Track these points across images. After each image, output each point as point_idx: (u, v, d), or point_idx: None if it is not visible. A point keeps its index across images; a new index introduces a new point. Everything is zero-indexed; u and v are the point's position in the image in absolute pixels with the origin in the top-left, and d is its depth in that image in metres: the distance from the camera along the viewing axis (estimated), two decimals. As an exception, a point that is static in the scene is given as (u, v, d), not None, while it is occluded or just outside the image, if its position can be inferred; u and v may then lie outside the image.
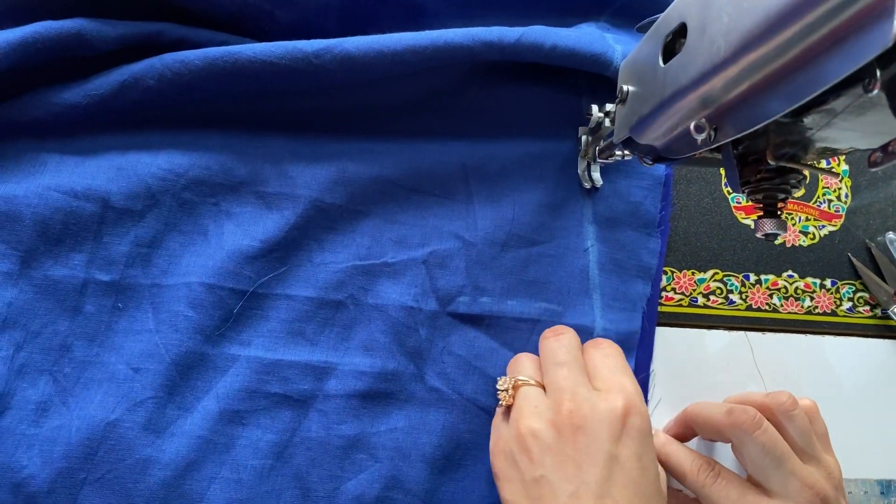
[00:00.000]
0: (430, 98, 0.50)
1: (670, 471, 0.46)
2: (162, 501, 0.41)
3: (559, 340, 0.43)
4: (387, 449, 0.45)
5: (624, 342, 0.49)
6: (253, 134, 0.47)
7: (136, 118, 0.45)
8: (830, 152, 0.31)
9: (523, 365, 0.44)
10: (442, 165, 0.49)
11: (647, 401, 0.49)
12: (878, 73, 0.22)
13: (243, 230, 0.46)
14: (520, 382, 0.42)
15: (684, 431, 0.49)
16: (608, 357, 0.43)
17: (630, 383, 0.41)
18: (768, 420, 0.44)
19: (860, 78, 0.23)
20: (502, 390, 0.43)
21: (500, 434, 0.42)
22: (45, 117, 0.43)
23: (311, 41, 0.43)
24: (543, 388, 0.42)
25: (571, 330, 0.45)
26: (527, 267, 0.49)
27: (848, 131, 0.28)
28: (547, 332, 0.45)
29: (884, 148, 0.25)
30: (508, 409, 0.43)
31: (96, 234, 0.43)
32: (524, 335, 0.48)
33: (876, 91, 0.23)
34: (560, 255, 0.49)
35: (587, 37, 0.48)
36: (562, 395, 0.40)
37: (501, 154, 0.50)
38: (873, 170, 0.26)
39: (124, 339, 0.43)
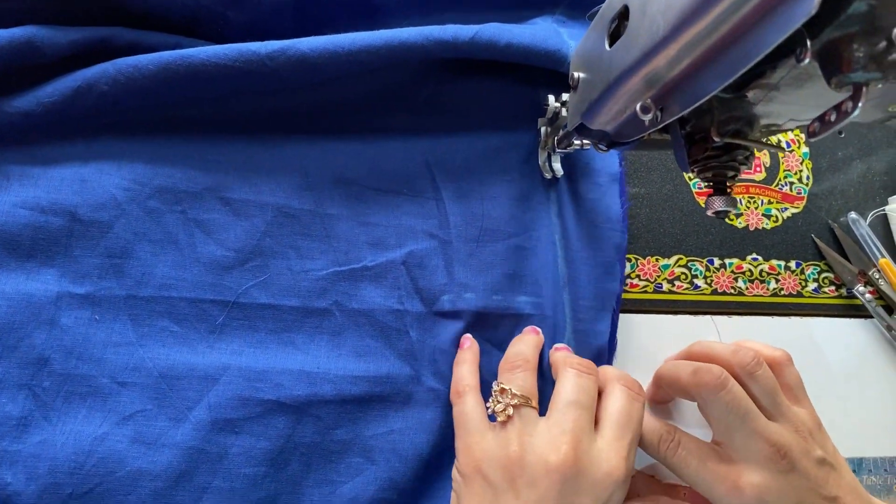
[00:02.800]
0: (388, 94, 0.49)
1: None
2: None
3: (584, 380, 0.41)
4: (383, 451, 0.44)
5: (594, 343, 0.49)
6: (213, 139, 0.47)
7: (94, 125, 0.44)
8: (775, 128, 0.32)
9: (522, 376, 0.42)
10: (405, 163, 0.49)
11: None
12: (808, 42, 0.23)
13: (214, 239, 0.45)
14: (520, 402, 0.41)
15: (661, 392, 0.49)
16: (633, 407, 0.42)
17: (628, 457, 0.40)
18: (735, 377, 0.42)
19: (793, 49, 0.23)
20: (500, 403, 0.41)
21: (487, 448, 0.40)
22: (1, 127, 0.43)
23: (265, 43, 0.43)
24: (537, 405, 0.42)
25: (596, 370, 0.43)
26: (505, 260, 0.48)
27: (789, 105, 0.29)
28: (573, 362, 0.43)
29: (821, 118, 0.25)
30: (495, 415, 0.41)
31: (66, 247, 0.43)
32: (508, 329, 0.48)
33: (807, 60, 0.23)
34: (533, 247, 0.50)
35: (542, 33, 0.48)
36: (564, 437, 0.39)
37: (463, 148, 0.50)
38: (812, 140, 0.26)
39: (104, 352, 0.43)
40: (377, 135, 0.49)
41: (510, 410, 0.40)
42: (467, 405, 0.42)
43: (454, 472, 0.42)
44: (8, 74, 0.42)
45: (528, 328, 0.47)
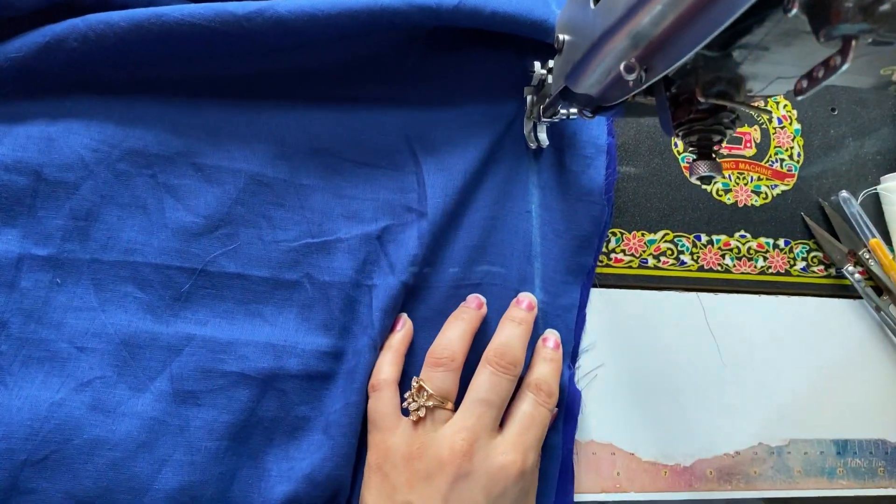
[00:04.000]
0: (369, 64, 0.48)
1: None
2: (111, 482, 0.40)
3: (498, 377, 0.42)
4: (340, 426, 0.43)
5: (562, 315, 0.48)
6: (188, 102, 0.45)
7: (63, 83, 0.43)
8: (762, 91, 0.31)
9: (443, 376, 0.42)
10: (385, 136, 0.48)
11: (574, 372, 0.49)
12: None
13: (184, 205, 0.44)
14: (435, 404, 0.41)
15: None
16: (537, 412, 0.43)
17: (534, 454, 0.41)
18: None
19: (780, 2, 0.22)
20: (415, 402, 0.42)
21: (392, 445, 0.41)
22: None
23: (243, 2, 0.42)
24: (453, 406, 0.42)
25: (519, 365, 0.43)
26: (474, 232, 0.47)
27: (776, 65, 0.28)
28: (493, 357, 0.43)
29: (808, 74, 0.24)
30: (407, 410, 0.42)
31: (30, 207, 0.42)
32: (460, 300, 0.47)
33: (795, 10, 0.22)
34: (505, 217, 0.49)
35: (528, 2, 0.46)
36: (462, 433, 0.40)
37: (446, 121, 0.49)
38: (799, 98, 0.25)
39: (64, 316, 0.42)
40: (357, 105, 0.48)
41: (422, 412, 0.41)
42: (380, 401, 0.43)
43: (365, 464, 0.43)
44: None
45: (472, 297, 0.46)
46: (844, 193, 0.57)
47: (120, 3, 0.42)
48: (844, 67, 0.22)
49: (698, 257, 0.53)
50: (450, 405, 0.42)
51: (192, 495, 0.41)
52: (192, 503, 0.41)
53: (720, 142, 0.31)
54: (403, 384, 0.44)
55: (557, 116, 0.45)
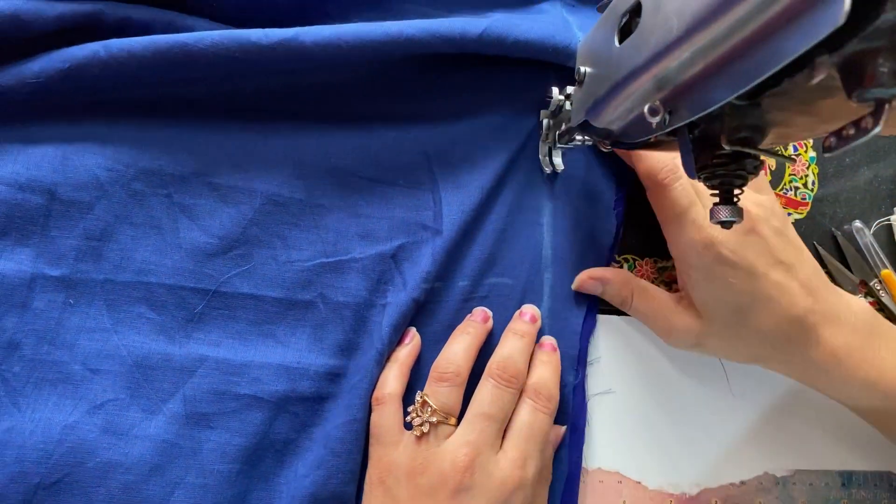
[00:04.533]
0: (386, 80, 0.48)
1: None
2: None
3: (500, 391, 0.42)
4: (345, 442, 0.43)
5: (569, 320, 0.49)
6: (203, 121, 0.45)
7: (79, 105, 0.43)
8: (787, 137, 0.30)
9: (447, 392, 0.43)
10: (402, 154, 0.47)
11: (582, 380, 0.49)
12: (826, 57, 0.21)
13: (199, 225, 0.44)
14: (439, 419, 0.41)
15: None
16: (536, 419, 0.43)
17: (535, 464, 0.42)
18: None
19: (812, 59, 0.22)
20: (419, 417, 0.42)
21: (395, 460, 0.41)
22: None
23: (267, 31, 0.41)
24: (456, 420, 0.42)
25: (521, 378, 0.44)
26: (484, 245, 0.48)
27: (803, 115, 0.27)
28: (496, 371, 0.43)
29: (837, 133, 0.24)
30: (410, 425, 0.42)
31: (43, 227, 0.41)
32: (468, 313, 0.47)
33: (817, 79, 0.22)
34: (516, 228, 0.49)
35: (550, 27, 0.46)
36: (464, 448, 0.40)
37: (464, 138, 0.48)
38: (827, 156, 0.25)
39: (77, 337, 0.41)
40: (374, 123, 0.47)
41: (426, 427, 0.41)
42: (384, 416, 0.43)
43: (365, 478, 0.43)
44: None
45: (478, 310, 0.47)
46: (857, 223, 0.57)
47: (142, 23, 0.42)
48: (876, 130, 0.22)
49: (710, 285, 0.53)
50: (453, 420, 0.42)
51: None
52: None
53: (742, 185, 0.31)
54: (407, 398, 0.44)
55: (573, 143, 0.45)
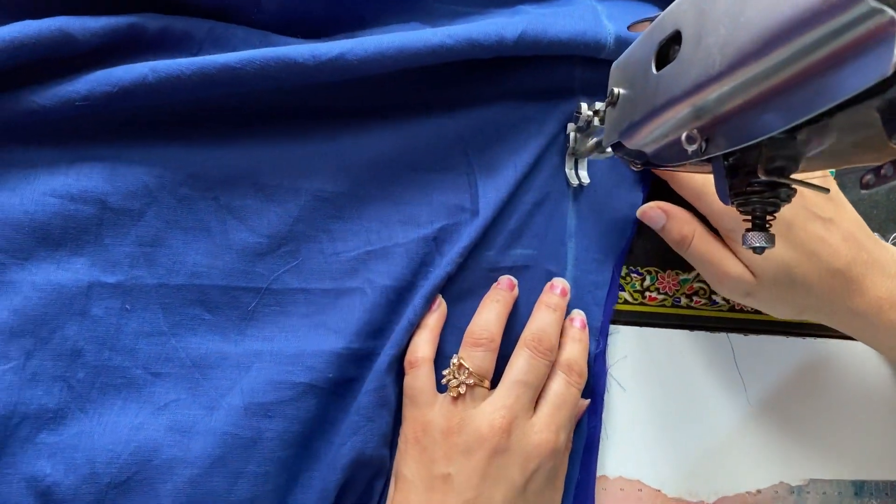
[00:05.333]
0: (422, 74, 0.48)
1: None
2: (189, 498, 0.40)
3: (536, 361, 0.44)
4: (378, 407, 0.44)
5: (592, 292, 0.50)
6: (244, 124, 0.46)
7: (124, 120, 0.43)
8: (821, 166, 0.31)
9: (482, 355, 0.44)
10: (438, 140, 0.48)
11: (603, 349, 0.51)
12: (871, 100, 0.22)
13: (247, 226, 0.45)
14: (475, 381, 0.43)
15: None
16: (568, 392, 0.45)
17: (565, 433, 0.44)
18: None
19: (856, 100, 0.23)
20: (455, 379, 0.43)
21: (432, 420, 0.43)
22: (30, 122, 0.41)
23: (313, 53, 0.42)
24: (490, 383, 0.44)
25: (554, 351, 0.45)
26: (513, 217, 0.49)
27: (841, 149, 0.28)
28: (531, 342, 0.45)
29: (876, 170, 0.24)
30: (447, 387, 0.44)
31: (96, 235, 0.42)
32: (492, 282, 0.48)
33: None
34: (543, 201, 0.50)
35: (582, 22, 0.47)
36: (502, 411, 0.42)
37: (497, 119, 0.49)
38: (864, 192, 0.25)
39: (136, 342, 0.42)
40: (410, 114, 0.48)
41: (462, 388, 0.43)
42: (418, 378, 0.44)
43: (399, 439, 0.45)
44: (39, 66, 0.40)
45: (504, 278, 0.48)
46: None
47: (181, 33, 0.43)
48: (915, 172, 0.23)
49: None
50: (487, 384, 0.44)
51: (264, 503, 0.42)
52: None
53: (774, 212, 0.32)
54: (436, 362, 0.46)
55: (603, 155, 0.46)
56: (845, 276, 0.45)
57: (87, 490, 0.39)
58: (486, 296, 0.47)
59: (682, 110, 0.30)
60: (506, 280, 0.47)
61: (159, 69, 0.40)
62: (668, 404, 0.51)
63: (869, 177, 0.25)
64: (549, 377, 0.45)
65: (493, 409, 0.42)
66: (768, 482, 0.52)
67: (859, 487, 0.54)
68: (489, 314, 0.45)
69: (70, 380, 0.41)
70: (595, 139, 0.45)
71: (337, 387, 0.45)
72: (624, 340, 0.52)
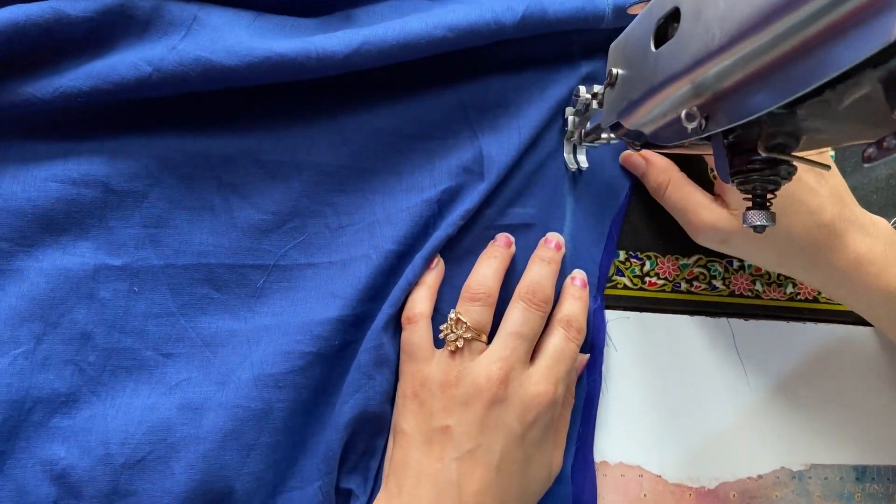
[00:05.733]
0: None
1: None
2: (204, 474, 0.40)
3: (531, 313, 0.44)
4: (377, 365, 0.44)
5: (588, 249, 0.51)
6: (245, 100, 0.45)
7: (124, 110, 0.43)
8: (822, 143, 0.31)
9: (479, 310, 0.44)
10: (440, 107, 0.48)
11: (601, 304, 0.51)
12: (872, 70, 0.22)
13: (251, 203, 0.45)
14: (472, 336, 0.43)
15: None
16: (567, 346, 0.45)
17: (563, 386, 0.44)
18: None
19: (858, 70, 0.23)
20: (453, 333, 0.43)
21: (430, 374, 0.43)
22: (28, 113, 0.41)
23: (316, 49, 0.42)
24: (487, 338, 0.44)
25: (549, 303, 0.45)
26: (514, 177, 0.49)
27: (843, 123, 0.28)
28: (525, 294, 0.45)
29: (878, 143, 0.24)
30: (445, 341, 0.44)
31: (101, 219, 0.42)
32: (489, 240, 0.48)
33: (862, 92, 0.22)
34: (542, 159, 0.50)
35: None
36: (498, 363, 0.42)
37: (497, 86, 0.49)
38: (867, 165, 0.25)
39: (145, 323, 0.42)
40: (409, 84, 0.48)
41: (460, 342, 0.43)
42: (415, 333, 0.44)
43: (397, 394, 0.45)
44: (34, 53, 0.40)
45: (501, 236, 0.48)
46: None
47: (169, 15, 0.42)
48: (918, 143, 0.22)
49: (730, 282, 0.54)
50: (484, 338, 0.44)
51: (275, 471, 0.43)
52: (275, 479, 0.43)
53: (774, 190, 0.32)
54: (433, 320, 0.46)
55: (599, 142, 0.45)
56: (829, 229, 0.45)
57: (102, 472, 0.39)
58: (483, 253, 0.47)
59: (681, 87, 0.30)
60: (503, 237, 0.47)
61: (164, 69, 0.40)
62: (669, 390, 0.51)
63: (871, 150, 0.24)
64: (547, 332, 0.45)
65: (489, 361, 0.42)
66: (770, 467, 0.52)
67: (861, 472, 0.54)
68: (486, 270, 0.46)
69: (81, 363, 0.41)
70: (593, 123, 0.45)
71: (340, 351, 0.45)
72: (624, 326, 0.52)
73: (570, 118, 0.49)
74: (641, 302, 0.52)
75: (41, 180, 0.41)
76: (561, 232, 0.49)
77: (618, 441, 0.50)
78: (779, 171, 0.31)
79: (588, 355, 0.49)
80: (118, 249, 0.42)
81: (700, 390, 0.52)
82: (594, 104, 0.44)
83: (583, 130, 0.47)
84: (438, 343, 0.44)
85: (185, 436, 0.40)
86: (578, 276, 0.49)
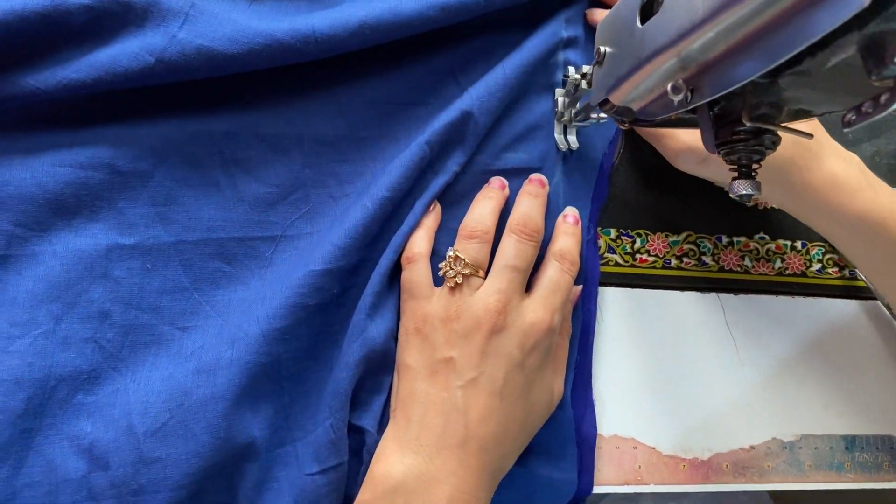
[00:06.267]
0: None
1: None
2: (226, 432, 0.41)
3: (524, 245, 0.45)
4: (380, 306, 0.46)
5: (581, 187, 0.52)
6: (242, 77, 0.45)
7: (127, 97, 0.44)
8: (804, 114, 0.32)
9: (477, 247, 0.45)
10: (429, 74, 0.49)
11: (593, 237, 0.52)
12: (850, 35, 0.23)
13: (255, 176, 0.46)
14: (470, 272, 0.44)
15: None
16: (562, 278, 0.46)
17: (560, 315, 0.45)
18: None
19: (835, 38, 0.23)
20: (452, 270, 0.44)
21: (430, 310, 0.44)
22: (32, 104, 0.42)
23: (322, 27, 0.43)
24: (485, 274, 0.45)
25: (540, 233, 0.46)
26: (504, 121, 0.49)
27: (822, 92, 0.29)
28: (516, 227, 0.46)
29: (857, 108, 0.25)
30: (444, 278, 0.45)
31: (109, 200, 0.43)
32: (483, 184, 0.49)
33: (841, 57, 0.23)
34: (532, 107, 0.51)
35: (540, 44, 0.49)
36: (496, 295, 0.43)
37: (484, 47, 0.50)
38: (846, 130, 0.26)
39: (160, 299, 0.44)
40: (400, 53, 0.49)
41: (459, 279, 0.44)
42: (415, 272, 0.45)
43: (399, 331, 0.46)
44: (35, 43, 0.40)
45: (495, 179, 0.49)
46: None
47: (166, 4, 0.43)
48: (894, 106, 0.23)
49: (719, 258, 0.55)
50: (482, 273, 0.45)
51: (285, 416, 0.44)
52: (287, 423, 0.45)
53: (760, 161, 0.32)
54: (431, 261, 0.47)
55: (589, 121, 0.46)
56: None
57: (126, 442, 0.40)
58: (478, 194, 0.48)
59: (667, 61, 0.30)
60: (497, 180, 0.48)
61: (167, 59, 0.41)
62: (661, 364, 0.52)
63: (850, 115, 0.25)
64: (542, 266, 0.47)
65: (486, 294, 0.43)
66: (761, 438, 0.53)
67: (850, 442, 0.55)
68: (483, 209, 0.47)
69: (100, 340, 0.42)
70: (583, 103, 0.46)
71: (339, 298, 0.46)
72: (616, 302, 0.53)
73: (560, 99, 0.49)
74: (633, 278, 0.53)
75: (49, 165, 0.42)
76: (554, 172, 0.51)
77: (612, 414, 0.51)
78: (763, 141, 0.31)
79: (581, 287, 0.50)
80: (129, 229, 0.43)
81: (692, 364, 0.53)
82: (583, 84, 0.45)
83: (573, 111, 0.47)
84: (438, 282, 0.46)
85: (201, 397, 0.41)
86: (571, 213, 0.50)
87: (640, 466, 0.50)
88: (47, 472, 0.40)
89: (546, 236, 0.48)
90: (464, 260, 0.44)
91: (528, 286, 0.46)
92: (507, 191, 0.48)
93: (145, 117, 0.44)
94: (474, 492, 0.41)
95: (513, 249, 0.45)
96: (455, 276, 0.44)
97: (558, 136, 0.50)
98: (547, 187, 0.49)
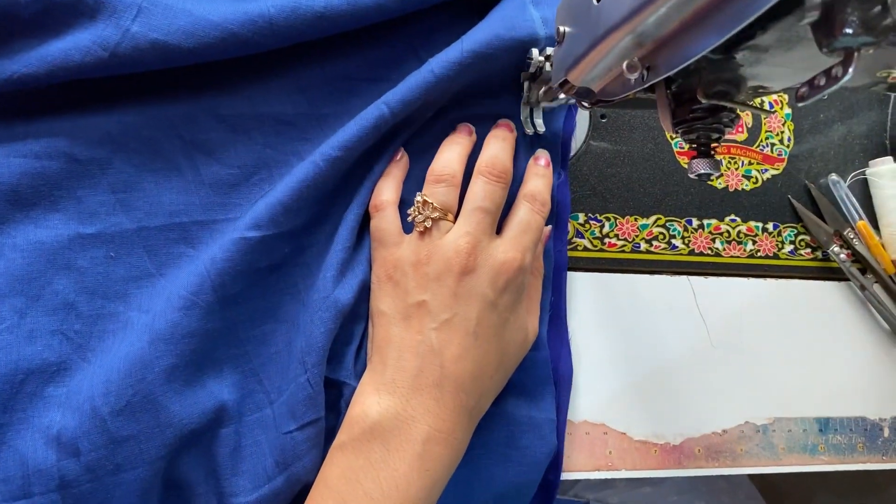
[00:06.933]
0: None
1: None
2: (192, 398, 0.41)
3: (492, 186, 0.44)
4: (356, 252, 0.46)
5: (552, 133, 0.50)
6: (196, 56, 0.43)
7: (80, 86, 0.43)
8: (763, 91, 0.31)
9: (445, 191, 0.45)
10: (393, 49, 0.48)
11: (564, 178, 0.51)
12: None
13: (216, 159, 0.45)
14: (439, 216, 0.44)
15: None
16: (532, 218, 0.46)
17: (531, 255, 0.45)
18: None
19: (787, 11, 0.23)
20: (421, 215, 0.44)
21: (401, 256, 0.44)
22: None
23: (278, 17, 0.42)
24: (454, 218, 0.44)
25: (509, 174, 0.46)
26: (471, 73, 0.46)
27: (778, 67, 0.28)
28: (485, 169, 0.45)
29: (810, 82, 0.24)
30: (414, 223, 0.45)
31: (68, 189, 0.42)
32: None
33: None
34: (498, 51, 0.46)
35: (508, 20, 0.46)
36: (465, 237, 0.43)
37: (445, 24, 0.49)
38: (800, 104, 0.25)
39: (126, 287, 0.43)
40: (363, 31, 0.47)
41: (428, 223, 0.44)
42: (383, 220, 0.45)
43: (371, 279, 0.46)
44: None
45: (462, 125, 0.48)
46: (834, 176, 0.58)
47: None
48: (846, 79, 0.23)
49: (689, 241, 0.54)
50: (451, 217, 0.44)
51: (258, 380, 0.44)
52: (261, 388, 0.44)
53: (719, 139, 0.32)
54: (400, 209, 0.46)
55: (556, 102, 0.45)
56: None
57: (91, 424, 0.39)
58: (445, 140, 0.47)
59: (622, 38, 0.30)
60: (464, 127, 0.48)
61: (120, 53, 0.40)
62: (632, 348, 0.52)
63: (804, 89, 0.25)
64: (513, 208, 0.46)
65: (456, 236, 0.43)
66: (734, 422, 0.53)
67: (824, 424, 0.55)
68: (450, 154, 0.46)
69: (67, 332, 0.41)
70: (547, 86, 0.45)
71: (298, 256, 0.46)
72: (585, 286, 0.52)
73: (526, 83, 0.48)
74: (602, 263, 0.53)
75: (3, 157, 0.41)
76: (520, 120, 0.50)
77: (582, 399, 0.50)
78: (720, 119, 0.31)
79: (551, 226, 0.50)
80: (90, 217, 0.43)
81: (663, 348, 0.53)
82: (547, 66, 0.44)
83: (539, 93, 0.47)
84: (408, 230, 0.45)
85: (163, 369, 0.40)
86: (542, 156, 0.49)
87: (610, 452, 0.50)
88: (20, 465, 0.39)
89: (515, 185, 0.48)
90: (432, 204, 0.44)
91: (499, 229, 0.46)
92: (474, 136, 0.48)
93: (101, 104, 0.43)
94: (451, 430, 0.41)
95: (481, 191, 0.44)
96: (424, 221, 0.43)
97: (524, 120, 0.49)
98: (514, 133, 0.48)
